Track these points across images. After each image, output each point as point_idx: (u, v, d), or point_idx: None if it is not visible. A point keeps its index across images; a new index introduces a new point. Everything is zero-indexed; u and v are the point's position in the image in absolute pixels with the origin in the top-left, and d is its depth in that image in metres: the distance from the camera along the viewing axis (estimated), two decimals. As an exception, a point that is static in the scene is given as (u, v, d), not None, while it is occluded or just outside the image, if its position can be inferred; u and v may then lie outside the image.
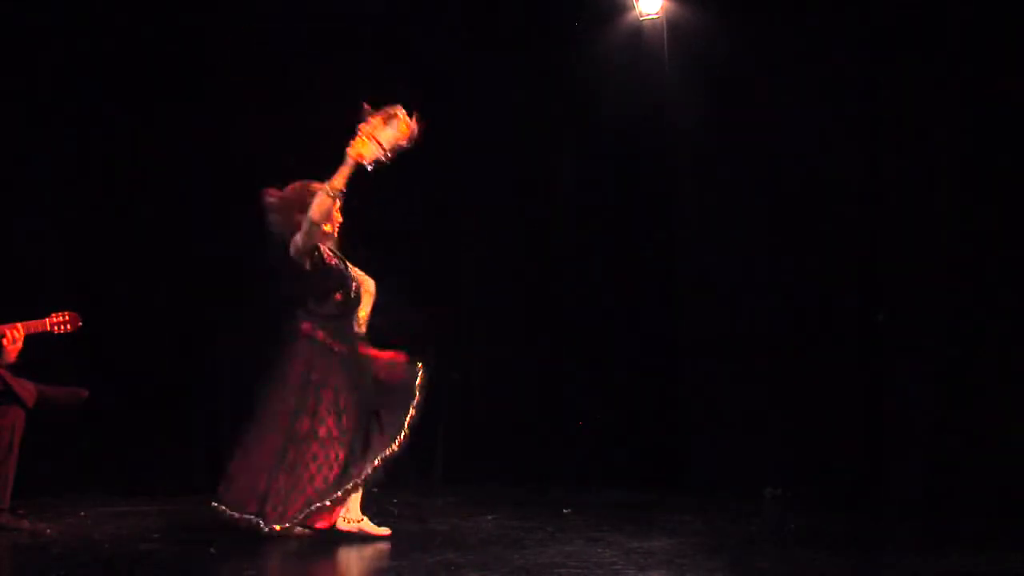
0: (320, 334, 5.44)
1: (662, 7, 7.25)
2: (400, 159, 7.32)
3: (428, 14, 7.40)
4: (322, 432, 5.32)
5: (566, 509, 6.30)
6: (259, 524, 5.29)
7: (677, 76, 7.23)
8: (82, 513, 6.21)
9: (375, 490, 7.09)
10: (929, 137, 6.30)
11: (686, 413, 7.18)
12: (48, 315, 5.77)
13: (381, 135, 5.34)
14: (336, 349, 5.44)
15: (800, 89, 6.71)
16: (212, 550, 5.21)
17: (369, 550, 5.27)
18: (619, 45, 7.40)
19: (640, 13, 7.32)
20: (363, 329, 5.55)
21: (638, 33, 7.37)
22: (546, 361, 7.29)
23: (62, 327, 5.79)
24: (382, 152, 5.34)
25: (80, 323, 5.85)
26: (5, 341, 5.63)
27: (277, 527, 5.27)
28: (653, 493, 6.90)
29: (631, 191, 7.40)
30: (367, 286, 5.66)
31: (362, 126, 5.35)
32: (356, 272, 5.64)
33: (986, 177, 6.12)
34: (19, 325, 5.66)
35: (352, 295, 5.52)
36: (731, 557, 5.05)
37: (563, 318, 7.49)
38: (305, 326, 5.45)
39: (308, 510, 5.28)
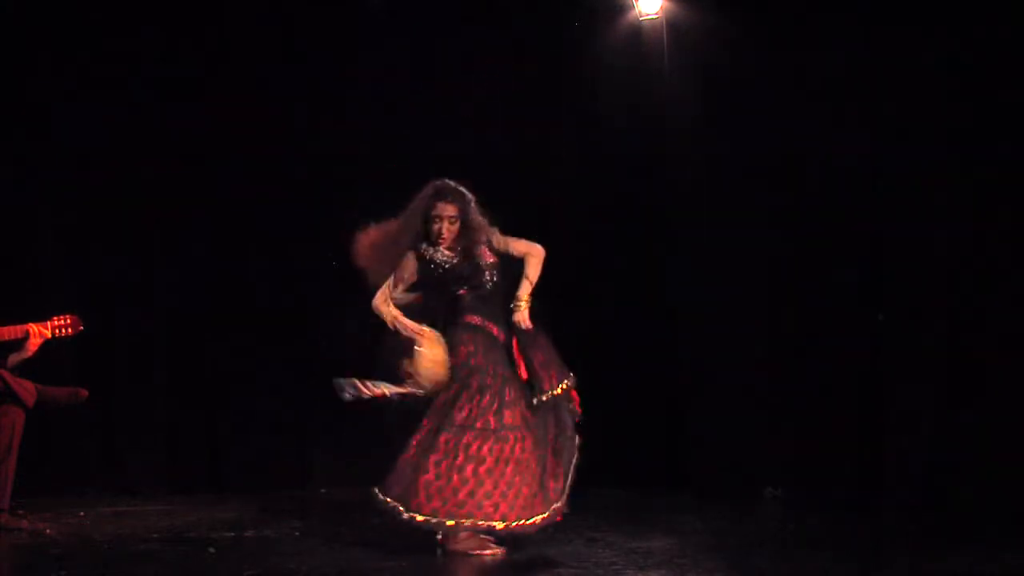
0: (477, 318, 5.31)
1: (661, 7, 7.24)
2: (401, 164, 7.39)
3: (427, 13, 7.39)
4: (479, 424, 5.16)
5: (566, 509, 6.30)
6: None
7: (677, 76, 7.22)
8: (81, 513, 6.21)
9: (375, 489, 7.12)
10: (930, 136, 6.30)
11: (686, 413, 7.17)
12: (50, 318, 5.78)
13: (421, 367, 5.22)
14: (495, 332, 5.32)
15: (800, 89, 6.71)
16: (212, 550, 5.21)
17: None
18: (619, 45, 7.40)
19: (640, 13, 7.32)
20: (522, 307, 5.35)
21: (638, 33, 7.36)
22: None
23: (64, 330, 5.80)
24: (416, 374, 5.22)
25: (81, 327, 5.86)
26: (32, 334, 5.66)
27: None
28: (653, 493, 6.90)
29: (631, 191, 7.39)
30: (532, 254, 5.48)
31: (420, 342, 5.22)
32: (515, 243, 5.47)
33: (986, 176, 6.11)
34: (35, 325, 5.70)
35: (487, 283, 5.35)
36: (731, 557, 5.05)
37: (562, 317, 7.47)
38: (466, 317, 5.30)
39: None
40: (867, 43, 6.52)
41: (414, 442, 5.19)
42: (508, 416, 5.19)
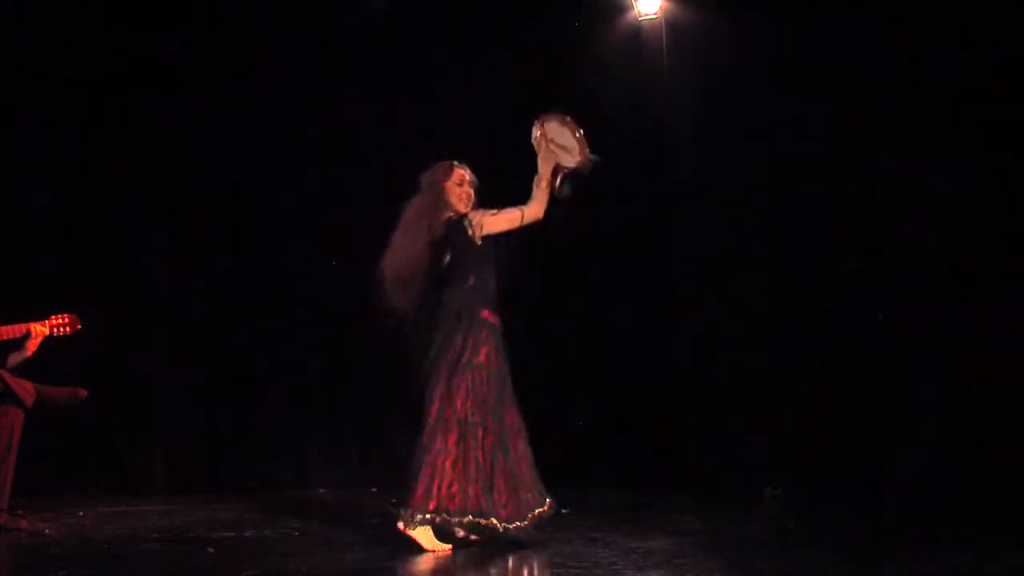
0: (487, 313, 5.31)
1: (660, 7, 7.25)
2: (401, 164, 7.36)
3: (426, 12, 7.40)
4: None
5: (565, 509, 6.30)
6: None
7: (676, 76, 7.22)
8: (81, 513, 6.21)
9: (374, 490, 7.14)
10: (930, 135, 6.30)
11: (686, 413, 7.18)
12: (48, 317, 5.78)
13: (559, 139, 5.40)
14: (498, 325, 5.35)
15: (799, 89, 6.71)
16: (211, 550, 5.22)
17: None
18: (618, 45, 7.40)
19: (639, 13, 7.33)
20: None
21: (637, 33, 7.37)
22: (545, 361, 7.27)
23: (62, 329, 5.80)
24: (569, 156, 5.40)
25: (80, 325, 5.86)
26: (32, 333, 5.66)
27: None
28: (653, 493, 6.90)
29: (630, 191, 7.39)
30: None
31: (538, 138, 5.38)
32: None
33: (986, 176, 6.11)
34: (35, 324, 5.71)
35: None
36: (731, 557, 5.05)
37: (563, 318, 7.49)
38: (480, 312, 5.29)
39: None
40: (867, 42, 6.51)
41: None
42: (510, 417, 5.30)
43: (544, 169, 5.37)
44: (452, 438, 5.15)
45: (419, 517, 5.10)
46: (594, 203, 7.46)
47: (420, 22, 7.42)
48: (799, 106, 6.69)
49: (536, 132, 5.40)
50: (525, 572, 4.98)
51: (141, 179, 7.13)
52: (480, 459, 5.15)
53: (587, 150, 5.40)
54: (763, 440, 6.77)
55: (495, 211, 5.37)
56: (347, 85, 7.43)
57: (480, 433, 5.18)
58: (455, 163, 5.50)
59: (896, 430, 6.31)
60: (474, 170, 5.54)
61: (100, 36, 7.06)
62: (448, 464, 5.14)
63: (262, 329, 7.29)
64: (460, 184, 5.45)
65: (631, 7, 7.34)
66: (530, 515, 5.22)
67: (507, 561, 5.07)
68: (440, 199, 5.41)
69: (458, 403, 5.18)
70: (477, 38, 7.44)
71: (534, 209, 5.36)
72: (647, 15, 7.30)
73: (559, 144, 5.38)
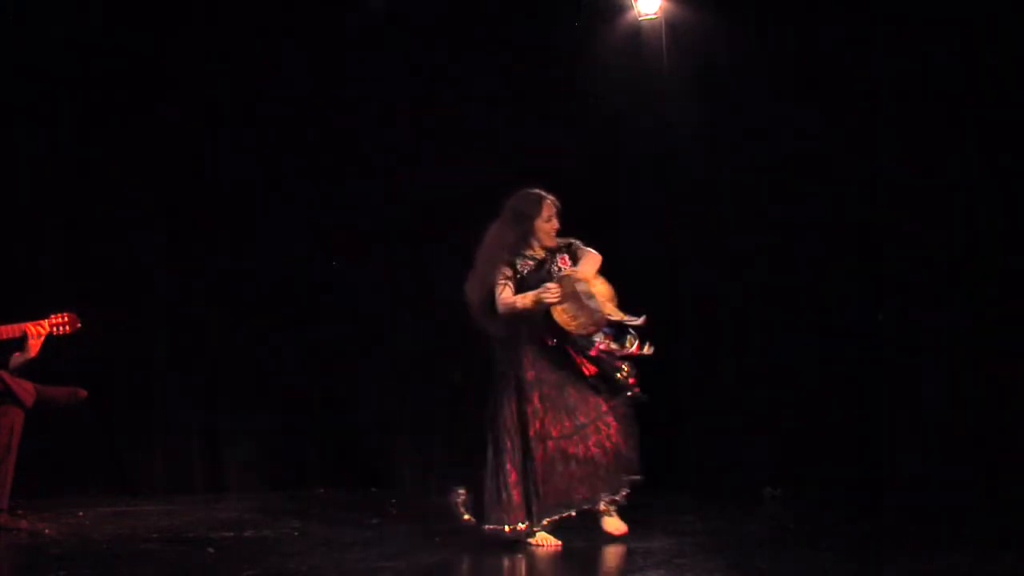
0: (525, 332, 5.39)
1: (660, 7, 7.25)
2: (402, 164, 7.35)
3: (426, 12, 7.39)
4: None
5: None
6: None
7: (676, 76, 7.22)
8: (81, 513, 6.21)
9: (374, 489, 7.14)
10: (930, 135, 6.30)
11: (686, 413, 7.17)
12: (47, 316, 5.78)
13: (587, 299, 5.34)
14: (550, 343, 5.41)
15: (799, 89, 6.71)
16: (211, 550, 5.22)
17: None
18: (618, 45, 7.40)
19: (639, 13, 7.32)
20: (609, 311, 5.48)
21: (637, 33, 7.37)
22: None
23: (62, 328, 5.80)
24: (580, 316, 5.34)
25: (79, 324, 5.85)
26: (29, 334, 5.66)
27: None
28: (653, 493, 6.89)
29: (630, 190, 7.39)
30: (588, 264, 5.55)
31: (565, 279, 5.33)
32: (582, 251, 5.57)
33: (986, 176, 6.11)
34: (32, 324, 5.70)
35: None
36: (731, 557, 5.06)
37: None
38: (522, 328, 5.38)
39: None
40: (867, 43, 6.51)
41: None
42: (581, 415, 5.40)
43: (555, 294, 5.31)
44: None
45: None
46: (594, 203, 7.49)
47: (420, 22, 7.41)
48: (799, 106, 6.70)
49: (569, 282, 5.33)
50: (525, 572, 4.97)
51: (141, 179, 7.12)
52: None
53: (598, 326, 5.37)
54: (763, 440, 6.77)
55: (504, 283, 5.35)
56: (347, 85, 7.42)
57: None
58: (544, 195, 5.48)
59: (896, 430, 6.31)
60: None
61: (100, 36, 7.05)
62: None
63: (262, 329, 7.28)
64: (549, 220, 5.46)
65: (631, 7, 7.34)
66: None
67: (508, 561, 5.07)
68: (527, 234, 5.44)
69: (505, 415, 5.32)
70: (477, 38, 7.43)
71: (518, 307, 5.33)
72: (647, 15, 7.29)
73: (582, 302, 5.34)
